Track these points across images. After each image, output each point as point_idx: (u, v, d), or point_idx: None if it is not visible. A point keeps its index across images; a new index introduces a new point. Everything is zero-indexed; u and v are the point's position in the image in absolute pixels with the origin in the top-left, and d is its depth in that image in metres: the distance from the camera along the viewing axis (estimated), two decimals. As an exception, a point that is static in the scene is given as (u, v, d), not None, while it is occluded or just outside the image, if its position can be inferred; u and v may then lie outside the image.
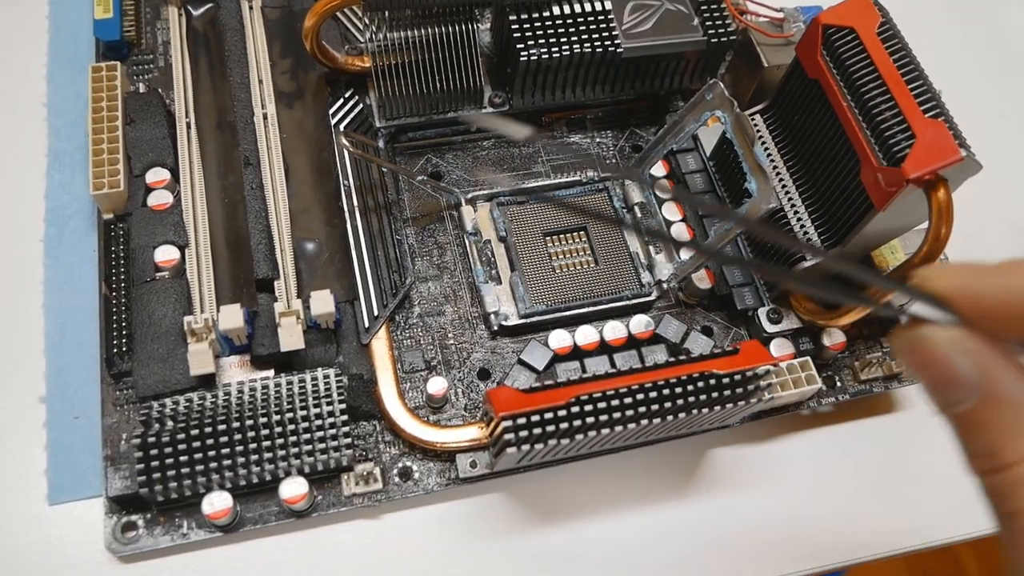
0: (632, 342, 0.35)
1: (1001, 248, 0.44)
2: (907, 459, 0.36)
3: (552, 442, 0.28)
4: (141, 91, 0.38)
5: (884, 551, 0.34)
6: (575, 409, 0.28)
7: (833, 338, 0.35)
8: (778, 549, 0.34)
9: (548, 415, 0.27)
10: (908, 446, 0.37)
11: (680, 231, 0.37)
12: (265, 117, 0.37)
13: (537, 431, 0.27)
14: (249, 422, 0.30)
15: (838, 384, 0.36)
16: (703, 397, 0.29)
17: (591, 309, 0.35)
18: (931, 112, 0.28)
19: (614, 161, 0.40)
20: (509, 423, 0.27)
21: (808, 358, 0.34)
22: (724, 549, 0.33)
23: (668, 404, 0.28)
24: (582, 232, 0.37)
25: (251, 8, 0.40)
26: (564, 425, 0.27)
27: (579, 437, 0.28)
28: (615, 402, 0.28)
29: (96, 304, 0.34)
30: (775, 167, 0.35)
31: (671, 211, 0.37)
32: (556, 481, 0.34)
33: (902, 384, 0.36)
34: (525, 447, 0.27)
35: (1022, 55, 0.51)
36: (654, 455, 0.34)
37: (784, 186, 0.34)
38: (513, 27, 0.36)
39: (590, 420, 0.28)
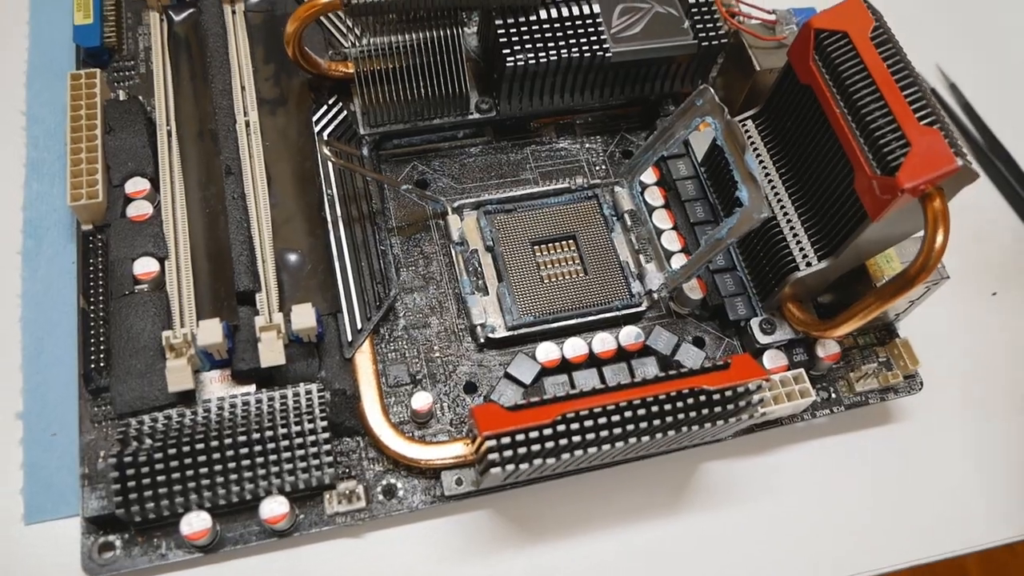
0: (622, 354, 0.34)
1: (1002, 255, 0.43)
2: (905, 471, 0.36)
3: (538, 461, 0.27)
4: (121, 98, 0.38)
5: (883, 566, 0.34)
6: (561, 427, 0.27)
7: (827, 349, 0.34)
8: (773, 564, 0.33)
9: (533, 434, 0.27)
10: (905, 458, 0.36)
11: (671, 239, 0.36)
12: (247, 124, 0.37)
13: (522, 450, 0.26)
14: (229, 440, 0.29)
15: (833, 396, 0.35)
16: (693, 414, 0.28)
17: (580, 320, 0.34)
18: (926, 120, 0.28)
19: (604, 167, 0.39)
20: (493, 443, 0.26)
21: (802, 370, 0.33)
22: (717, 565, 0.33)
23: (657, 421, 0.27)
24: (571, 241, 0.36)
25: (233, 13, 0.40)
26: (550, 444, 0.27)
27: (565, 456, 0.27)
28: (602, 420, 0.27)
29: (75, 318, 0.33)
30: (767, 174, 0.34)
31: (662, 218, 0.37)
32: (544, 497, 0.33)
33: (898, 395, 0.36)
34: (510, 467, 0.27)
35: (1020, 56, 0.50)
36: (645, 470, 0.34)
37: (777, 194, 0.34)
38: (499, 32, 0.35)
39: (576, 439, 0.27)
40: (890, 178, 0.27)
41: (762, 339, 0.34)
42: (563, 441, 0.27)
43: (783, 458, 0.35)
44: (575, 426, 0.27)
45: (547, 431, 0.27)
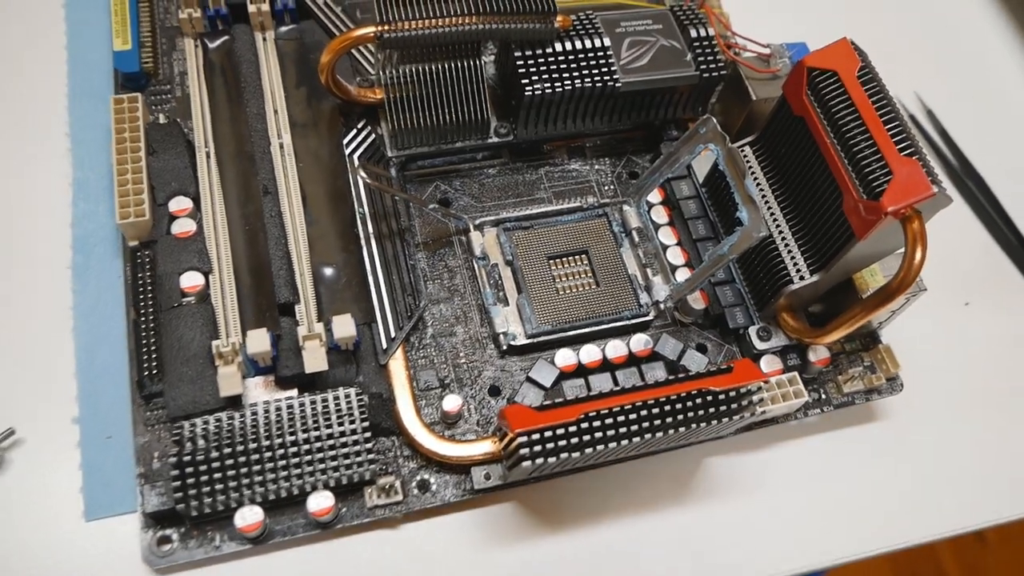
0: (632, 360, 0.37)
1: (974, 268, 0.47)
2: (887, 464, 0.39)
3: (564, 455, 0.30)
4: (161, 121, 0.40)
5: (868, 551, 0.37)
6: (584, 425, 0.30)
7: (818, 354, 0.37)
8: (769, 550, 0.36)
9: (560, 431, 0.30)
10: (888, 453, 0.40)
11: (675, 254, 0.39)
12: (281, 147, 0.39)
13: (550, 446, 0.29)
14: (278, 440, 0.32)
15: (823, 396, 0.39)
16: (701, 412, 0.31)
17: (593, 328, 0.37)
18: (906, 151, 0.31)
19: (612, 187, 0.42)
20: (524, 439, 0.29)
21: (795, 373, 0.36)
22: (720, 551, 0.36)
23: (669, 419, 0.31)
24: (584, 255, 0.39)
25: (264, 40, 0.42)
26: (575, 440, 0.30)
27: (588, 451, 0.30)
28: (621, 418, 0.30)
29: (122, 328, 0.36)
30: (764, 196, 0.37)
31: (667, 235, 0.40)
32: (564, 491, 0.36)
33: (881, 396, 0.39)
34: (539, 460, 0.30)
35: (995, 82, 0.54)
36: (654, 465, 0.37)
37: (772, 215, 0.37)
38: (518, 63, 0.38)
39: (598, 435, 0.30)
40: (875, 202, 0.31)
41: (759, 345, 0.37)
42: (587, 437, 0.30)
43: (778, 453, 0.38)
44: (597, 424, 0.30)
45: (572, 428, 0.30)
